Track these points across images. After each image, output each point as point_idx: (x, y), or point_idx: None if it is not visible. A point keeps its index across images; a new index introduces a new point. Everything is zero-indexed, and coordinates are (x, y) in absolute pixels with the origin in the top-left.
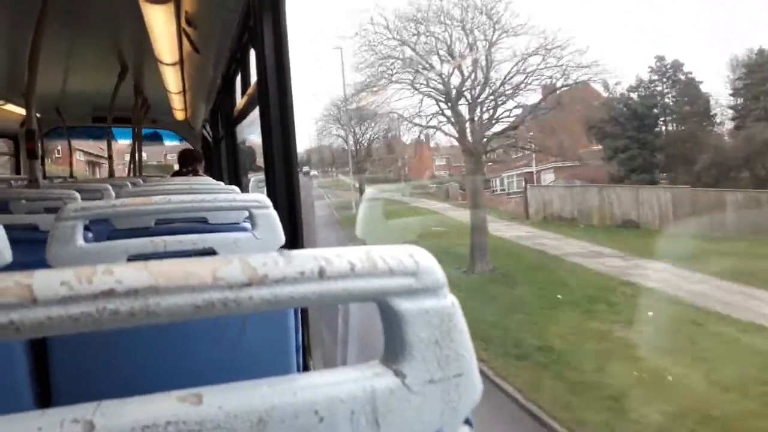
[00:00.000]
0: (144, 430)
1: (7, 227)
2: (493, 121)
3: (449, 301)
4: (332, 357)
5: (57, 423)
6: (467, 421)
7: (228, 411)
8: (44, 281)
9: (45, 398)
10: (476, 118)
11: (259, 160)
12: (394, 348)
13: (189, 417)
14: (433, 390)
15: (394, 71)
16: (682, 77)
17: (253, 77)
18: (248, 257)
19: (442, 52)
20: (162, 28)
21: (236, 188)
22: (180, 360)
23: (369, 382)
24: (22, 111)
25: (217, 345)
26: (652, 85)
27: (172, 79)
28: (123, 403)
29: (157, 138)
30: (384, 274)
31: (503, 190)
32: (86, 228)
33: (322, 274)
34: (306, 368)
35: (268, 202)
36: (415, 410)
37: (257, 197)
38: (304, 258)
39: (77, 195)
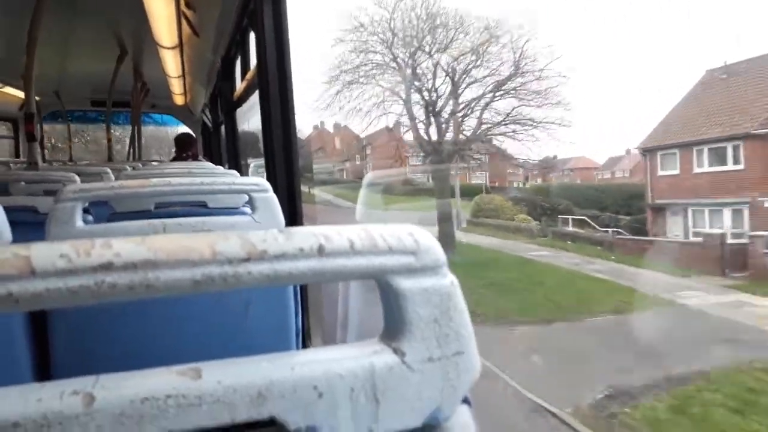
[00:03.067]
0: (143, 402)
1: (6, 209)
2: None
3: (449, 280)
4: (332, 340)
5: (57, 395)
6: (466, 400)
7: (227, 385)
8: (43, 253)
9: (45, 372)
10: None
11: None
12: (393, 326)
13: (188, 391)
14: (432, 368)
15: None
16: None
17: (253, 61)
18: (247, 233)
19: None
20: (161, 11)
21: (235, 172)
22: (181, 338)
23: (368, 359)
24: (21, 94)
25: (219, 325)
26: None
27: (171, 62)
28: (123, 376)
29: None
30: (384, 252)
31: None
32: (86, 211)
33: (321, 251)
34: (305, 344)
35: (268, 186)
36: (414, 388)
37: (257, 181)
38: (304, 235)
39: (76, 177)
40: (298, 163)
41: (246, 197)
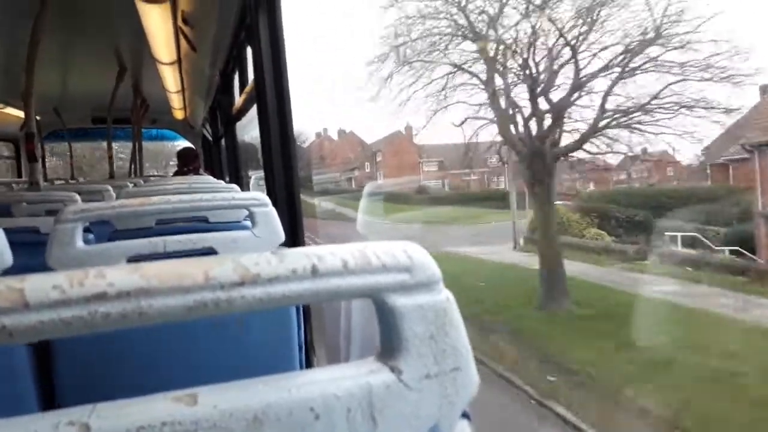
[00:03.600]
0: (139, 431)
1: (7, 230)
2: None
3: (444, 296)
4: (337, 354)
5: (53, 426)
6: (465, 415)
7: (223, 410)
8: (36, 285)
9: (49, 401)
10: None
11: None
12: (390, 344)
13: (184, 417)
14: (429, 385)
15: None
16: None
17: (251, 75)
18: (241, 257)
19: None
20: (159, 27)
21: (236, 187)
22: (184, 360)
23: (365, 379)
24: (22, 114)
25: (220, 344)
26: None
27: (170, 78)
28: (119, 404)
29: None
30: (378, 271)
31: None
32: (87, 230)
33: (315, 272)
34: (309, 366)
35: (267, 201)
36: (411, 406)
37: (256, 195)
38: (297, 256)
39: (77, 197)
40: (297, 176)
41: (246, 211)
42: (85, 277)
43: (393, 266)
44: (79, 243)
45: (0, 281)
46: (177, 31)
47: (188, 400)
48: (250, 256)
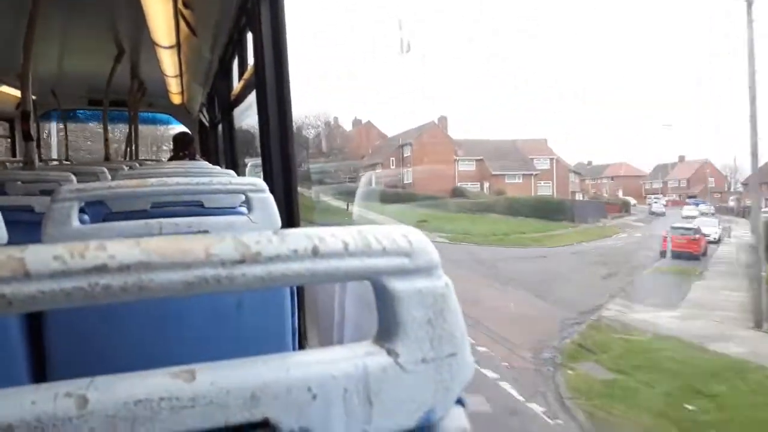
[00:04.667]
0: (137, 404)
1: (2, 209)
2: None
3: (443, 281)
4: (329, 337)
5: (51, 397)
6: (459, 401)
7: (221, 387)
8: (37, 255)
9: (41, 373)
10: None
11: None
12: (387, 327)
13: (182, 393)
14: (425, 369)
15: None
16: None
17: (251, 60)
18: (242, 235)
19: None
20: (158, 10)
21: (232, 172)
22: (177, 339)
23: (362, 361)
24: (18, 93)
25: (215, 324)
26: None
27: (168, 62)
28: (116, 378)
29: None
30: (378, 254)
31: None
32: (82, 210)
33: (315, 253)
34: (301, 344)
35: (264, 186)
36: (407, 389)
37: (253, 181)
38: (298, 237)
39: (73, 177)
40: (295, 164)
41: (242, 197)
42: (86, 249)
43: (393, 250)
44: (75, 222)
45: (1, 251)
46: (177, 14)
47: (186, 377)
48: (251, 235)
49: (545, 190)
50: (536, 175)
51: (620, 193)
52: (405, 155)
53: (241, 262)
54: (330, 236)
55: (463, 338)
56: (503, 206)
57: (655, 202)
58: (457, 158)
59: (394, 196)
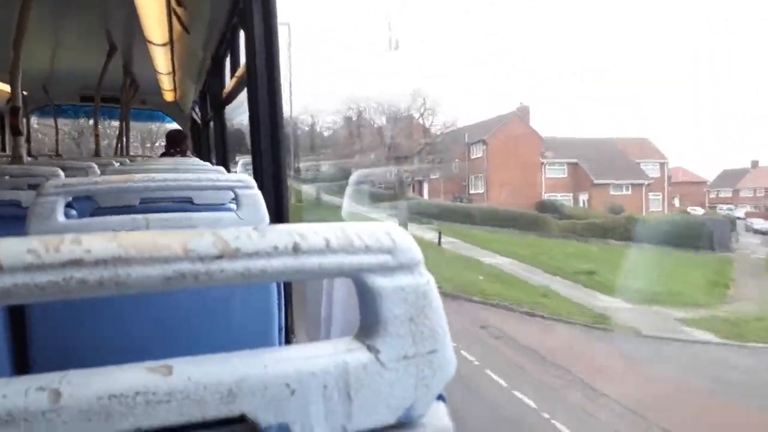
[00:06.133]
0: (111, 399)
1: None
2: None
3: (425, 278)
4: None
5: (22, 391)
6: (441, 397)
7: (197, 382)
8: (10, 249)
9: (22, 366)
10: None
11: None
12: (369, 324)
13: (158, 388)
14: (406, 366)
15: None
16: None
17: (243, 59)
18: (221, 231)
19: None
20: (152, 8)
21: (222, 169)
22: (162, 333)
23: (342, 357)
24: (8, 88)
25: (200, 318)
26: None
27: (161, 59)
28: (91, 372)
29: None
30: (360, 251)
31: None
32: (70, 206)
33: (296, 250)
34: (288, 344)
35: (253, 183)
36: (388, 385)
37: (242, 177)
38: (279, 233)
39: (60, 172)
40: (285, 162)
41: (232, 194)
42: (61, 243)
43: (375, 247)
44: (60, 217)
45: None
46: (170, 12)
47: (163, 371)
48: (231, 231)
49: (655, 204)
50: (648, 185)
51: (676, 203)
52: (474, 156)
53: (220, 257)
54: (312, 233)
55: (444, 335)
56: (623, 230)
57: (752, 219)
58: (545, 161)
59: (458, 212)
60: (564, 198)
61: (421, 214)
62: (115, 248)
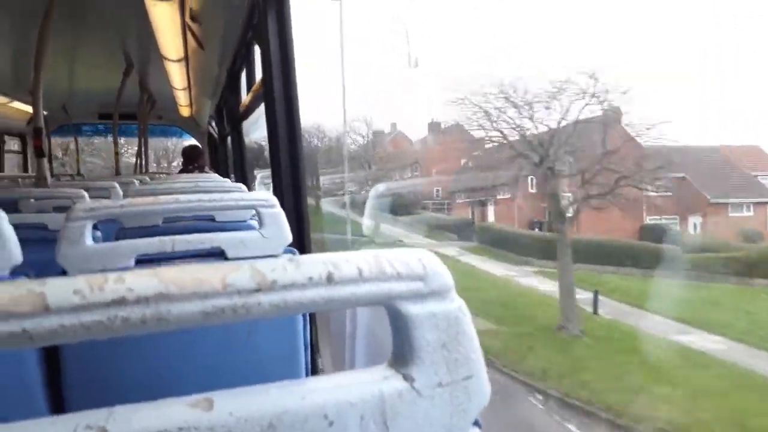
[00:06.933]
0: None
1: (16, 227)
2: None
3: (456, 304)
4: (341, 357)
5: (71, 429)
6: (476, 423)
7: (239, 416)
8: (57, 289)
9: (58, 405)
10: None
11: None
12: (402, 352)
13: (200, 423)
14: (441, 393)
15: None
16: None
17: (258, 73)
18: (257, 263)
19: None
20: (166, 25)
21: (243, 186)
22: (190, 363)
23: (378, 386)
24: (29, 108)
25: (227, 347)
26: None
27: (177, 75)
28: (135, 408)
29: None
30: (392, 278)
31: None
32: (95, 227)
33: (330, 279)
34: (315, 367)
35: (275, 201)
36: (423, 414)
37: (264, 196)
38: (313, 263)
39: (85, 194)
40: (304, 177)
41: (253, 210)
42: (105, 282)
43: (407, 274)
44: (89, 241)
45: (20, 284)
46: (185, 28)
47: (204, 405)
48: (267, 263)
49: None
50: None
51: None
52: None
53: (257, 290)
54: (345, 262)
55: (478, 361)
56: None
57: None
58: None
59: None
60: (670, 221)
61: (497, 246)
62: (156, 285)
